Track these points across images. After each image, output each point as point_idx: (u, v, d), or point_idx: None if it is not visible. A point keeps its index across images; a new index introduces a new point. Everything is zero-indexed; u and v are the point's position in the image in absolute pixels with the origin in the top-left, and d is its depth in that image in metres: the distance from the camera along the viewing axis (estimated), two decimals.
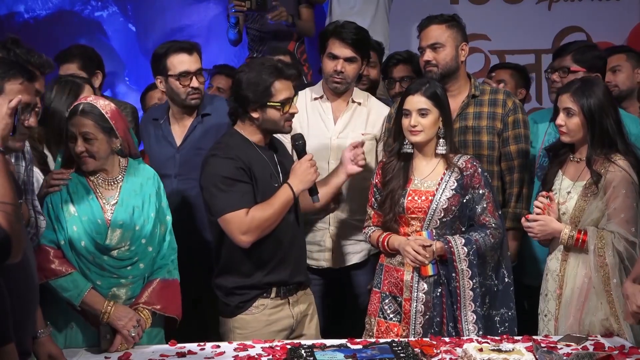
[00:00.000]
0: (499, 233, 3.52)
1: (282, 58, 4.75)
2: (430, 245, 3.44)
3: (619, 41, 5.72)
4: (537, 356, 2.98)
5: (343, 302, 4.21)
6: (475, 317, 3.43)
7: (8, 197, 2.33)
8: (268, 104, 3.44)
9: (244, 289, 3.51)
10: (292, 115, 3.51)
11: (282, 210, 3.42)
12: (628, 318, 3.12)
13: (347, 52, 4.05)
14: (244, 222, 3.37)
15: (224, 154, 3.45)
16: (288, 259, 3.52)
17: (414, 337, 3.43)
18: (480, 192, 3.52)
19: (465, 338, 3.34)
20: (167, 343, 3.38)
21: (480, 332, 3.43)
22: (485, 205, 3.51)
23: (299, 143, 3.55)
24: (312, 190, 3.51)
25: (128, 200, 3.32)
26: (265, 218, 3.39)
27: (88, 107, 3.27)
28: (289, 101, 3.47)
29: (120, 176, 3.35)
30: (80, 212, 3.24)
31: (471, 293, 3.44)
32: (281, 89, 3.45)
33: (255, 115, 3.47)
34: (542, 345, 3.20)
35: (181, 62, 3.96)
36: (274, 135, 3.64)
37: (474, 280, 3.44)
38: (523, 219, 3.57)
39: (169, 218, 3.43)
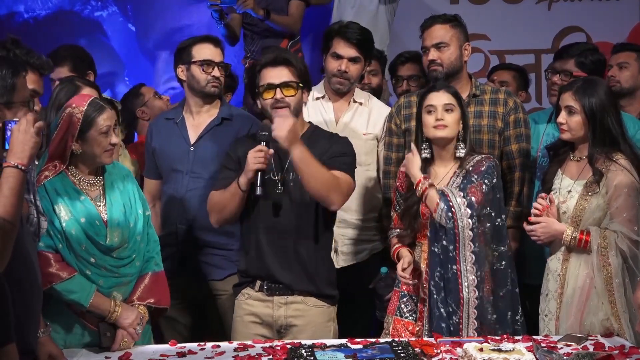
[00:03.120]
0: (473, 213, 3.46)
1: None
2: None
3: (618, 41, 5.71)
4: (537, 356, 2.98)
5: (345, 301, 4.20)
6: (474, 257, 3.43)
7: (10, 215, 2.39)
8: (256, 91, 3.53)
9: (238, 273, 3.64)
10: (278, 101, 3.46)
11: (229, 198, 3.47)
12: None
13: (351, 52, 4.07)
14: (208, 202, 3.57)
15: (234, 141, 3.67)
16: (268, 252, 3.50)
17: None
18: (472, 179, 3.47)
19: (465, 339, 3.34)
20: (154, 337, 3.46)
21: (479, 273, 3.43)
22: (467, 189, 3.45)
23: (261, 135, 3.45)
24: (255, 182, 3.41)
25: (116, 199, 3.31)
26: (216, 202, 3.53)
27: (109, 101, 3.30)
28: (269, 88, 3.48)
29: (100, 175, 3.33)
30: (76, 215, 3.20)
31: (470, 233, 3.43)
32: (264, 76, 3.50)
33: (258, 104, 3.56)
34: (542, 345, 3.20)
35: (206, 50, 4.02)
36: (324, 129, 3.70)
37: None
38: (525, 223, 3.57)
39: (148, 213, 3.44)
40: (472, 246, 3.44)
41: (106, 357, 3.18)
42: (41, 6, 6.78)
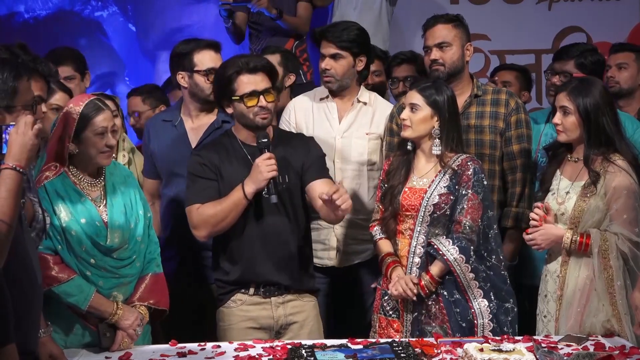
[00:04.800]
0: (471, 238, 3.48)
1: (270, 58, 4.78)
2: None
3: (619, 41, 5.71)
4: (537, 356, 2.98)
5: (347, 300, 4.21)
6: (482, 292, 3.47)
7: (7, 217, 2.39)
8: (232, 98, 3.51)
9: (222, 282, 3.60)
10: (262, 108, 3.49)
11: (231, 209, 3.43)
12: (638, 330, 3.09)
13: (330, 49, 4.08)
14: (193, 217, 3.49)
15: (195, 151, 3.62)
16: (263, 257, 3.51)
17: (405, 334, 3.49)
18: (463, 192, 3.50)
19: (465, 339, 3.34)
20: (153, 337, 3.45)
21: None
22: (464, 206, 3.49)
23: (261, 142, 3.48)
24: (268, 190, 3.43)
25: (117, 200, 3.30)
26: (211, 214, 3.44)
27: (105, 103, 3.27)
28: (253, 95, 3.48)
29: (101, 176, 3.32)
30: (77, 216, 3.20)
31: (472, 275, 3.47)
32: (243, 82, 3.49)
33: (229, 110, 3.57)
34: (543, 345, 3.19)
35: (209, 59, 4.00)
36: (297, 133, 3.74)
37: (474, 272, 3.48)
38: (524, 234, 3.56)
39: (150, 214, 3.44)
40: (478, 283, 3.48)
41: (106, 357, 3.19)
42: (41, 6, 6.78)
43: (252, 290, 3.54)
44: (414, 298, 3.47)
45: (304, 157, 3.59)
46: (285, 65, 4.74)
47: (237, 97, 3.50)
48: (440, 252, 3.44)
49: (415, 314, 3.52)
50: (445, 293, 3.49)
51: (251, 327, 3.54)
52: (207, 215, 3.46)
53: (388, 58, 5.03)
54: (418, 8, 6.08)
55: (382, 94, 4.83)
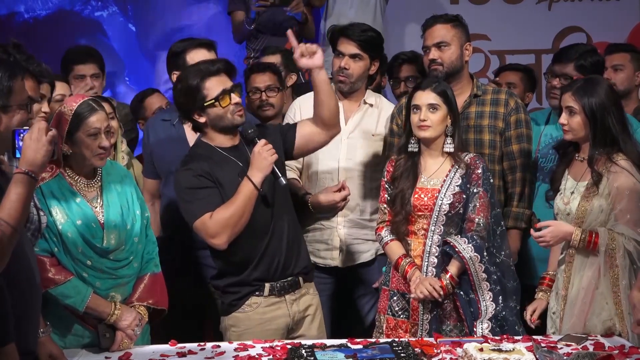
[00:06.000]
0: (484, 236, 3.51)
1: (271, 58, 4.77)
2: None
3: (618, 41, 5.71)
4: (537, 356, 2.99)
5: (350, 300, 4.21)
6: (491, 295, 3.49)
7: (14, 220, 2.40)
8: (205, 105, 3.46)
9: (235, 286, 3.54)
10: (237, 105, 3.48)
11: (246, 204, 3.39)
12: (636, 328, 3.09)
13: (351, 48, 4.07)
14: (209, 226, 3.39)
15: (182, 166, 3.52)
16: (272, 252, 3.50)
17: (421, 333, 3.50)
18: (474, 190, 3.54)
19: (465, 339, 3.34)
20: (153, 337, 3.44)
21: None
22: (475, 204, 3.52)
23: (250, 133, 3.49)
24: (274, 174, 3.44)
25: (113, 201, 3.29)
26: (229, 216, 3.38)
27: (99, 104, 3.25)
28: (224, 94, 3.46)
29: (97, 176, 3.31)
30: (72, 217, 3.18)
31: (484, 275, 3.50)
32: (211, 86, 3.46)
33: (202, 120, 3.50)
34: (542, 345, 3.20)
35: (200, 56, 3.97)
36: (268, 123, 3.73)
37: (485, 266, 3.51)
38: (531, 230, 3.56)
39: (147, 214, 3.42)
40: (489, 285, 3.51)
41: (106, 357, 3.19)
42: (41, 6, 6.79)
43: (267, 291, 3.52)
44: (440, 299, 3.49)
45: (279, 138, 3.60)
46: (286, 65, 4.75)
47: (211, 101, 3.46)
48: (457, 250, 3.46)
49: (434, 313, 3.54)
50: (461, 293, 3.51)
51: (268, 329, 3.51)
52: (224, 218, 3.39)
53: (385, 57, 5.03)
54: (417, 8, 6.08)
55: (378, 92, 4.85)
